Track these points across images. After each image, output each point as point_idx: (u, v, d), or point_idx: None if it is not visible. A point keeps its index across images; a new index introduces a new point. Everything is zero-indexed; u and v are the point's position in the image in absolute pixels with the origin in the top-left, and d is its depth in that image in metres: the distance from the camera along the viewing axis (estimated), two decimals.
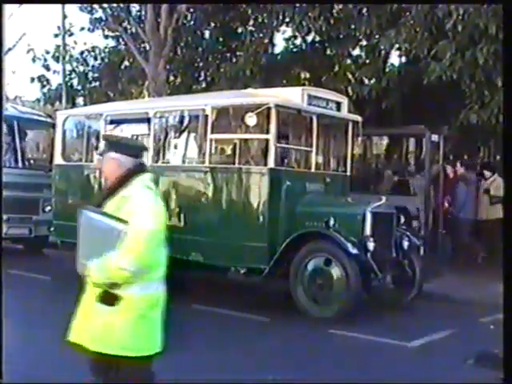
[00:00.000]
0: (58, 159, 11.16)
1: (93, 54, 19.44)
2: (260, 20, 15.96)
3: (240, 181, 9.03)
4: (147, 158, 9.91)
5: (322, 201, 9.23)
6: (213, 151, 9.37)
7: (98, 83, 19.43)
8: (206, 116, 9.21)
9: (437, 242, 11.86)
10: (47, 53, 19.40)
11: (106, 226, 3.77)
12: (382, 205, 8.83)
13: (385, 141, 17.49)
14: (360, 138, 10.65)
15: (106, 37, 19.03)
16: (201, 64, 17.49)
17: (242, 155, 9.46)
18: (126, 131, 10.69)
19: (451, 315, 9.14)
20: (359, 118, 10.07)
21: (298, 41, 16.19)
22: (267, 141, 8.83)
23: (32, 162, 14.08)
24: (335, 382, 5.96)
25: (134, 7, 17.37)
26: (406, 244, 9.12)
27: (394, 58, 15.46)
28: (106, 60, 19.25)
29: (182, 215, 9.37)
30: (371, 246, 8.37)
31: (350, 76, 14.69)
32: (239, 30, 16.55)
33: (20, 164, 12.81)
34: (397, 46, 13.46)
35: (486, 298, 9.25)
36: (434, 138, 11.78)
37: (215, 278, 10.38)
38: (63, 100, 18.48)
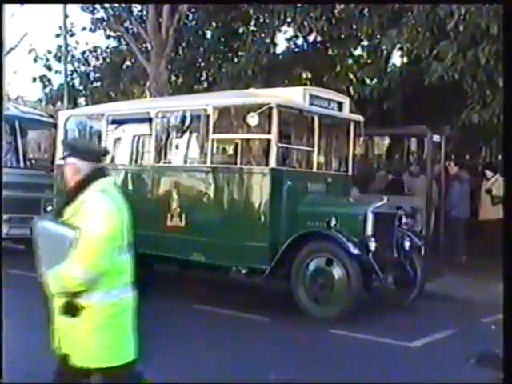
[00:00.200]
0: (60, 159, 11.16)
1: (94, 54, 19.44)
2: (262, 20, 15.95)
3: (241, 181, 9.04)
4: (149, 158, 9.97)
5: (323, 201, 9.22)
6: (214, 151, 9.38)
7: (99, 83, 19.44)
8: (208, 116, 9.21)
9: (438, 242, 11.87)
10: (49, 53, 19.39)
11: (59, 235, 3.72)
12: (384, 205, 8.83)
13: (386, 141, 17.52)
14: (362, 138, 10.65)
15: (108, 37, 19.04)
16: (202, 64, 17.49)
17: (243, 155, 9.47)
18: (127, 131, 10.71)
19: (452, 315, 9.13)
20: (361, 118, 10.06)
21: (300, 41, 16.21)
22: (269, 141, 8.83)
23: (33, 161, 14.10)
24: (336, 382, 5.95)
25: (136, 7, 17.38)
26: (407, 244, 9.12)
27: (396, 58, 15.49)
28: (108, 60, 19.25)
29: (183, 215, 9.37)
30: (373, 246, 8.37)
31: (351, 76, 14.71)
32: (241, 30, 16.54)
33: (21, 164, 12.83)
34: (398, 46, 13.46)
35: (487, 298, 9.24)
36: (436, 138, 11.79)
37: (216, 278, 10.38)
38: (65, 100, 18.48)
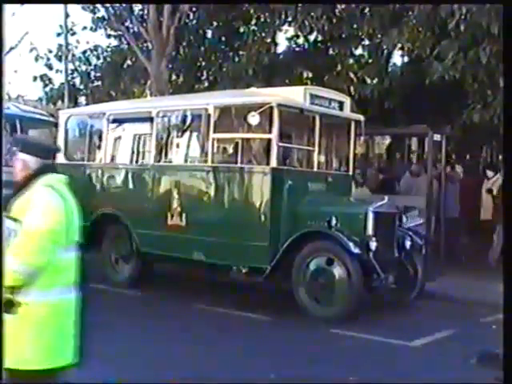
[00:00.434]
0: (61, 158, 11.12)
1: (95, 53, 19.42)
2: (262, 19, 15.93)
3: (242, 180, 9.04)
4: (150, 157, 9.98)
5: (324, 200, 9.21)
6: (215, 150, 9.38)
7: (100, 82, 19.43)
8: (209, 115, 9.21)
9: (439, 242, 11.86)
10: (50, 52, 19.37)
11: (5, 229, 3.63)
12: (385, 204, 8.83)
13: (387, 140, 17.51)
14: (362, 138, 10.65)
15: (109, 36, 19.02)
16: (203, 63, 17.47)
17: (244, 154, 9.45)
18: (128, 130, 10.71)
19: (453, 315, 9.13)
20: (361, 118, 10.06)
21: (301, 40, 16.20)
22: (269, 140, 8.83)
23: None
24: (336, 382, 5.96)
25: (137, 6, 17.36)
26: (408, 244, 9.12)
27: (397, 58, 15.52)
28: (109, 59, 19.22)
29: (184, 214, 9.37)
30: (373, 245, 8.37)
31: (352, 75, 14.69)
32: (241, 30, 16.51)
33: None
34: (399, 45, 13.47)
35: (487, 297, 9.23)
36: (437, 137, 11.77)
37: (217, 277, 10.38)
38: (65, 99, 18.47)
